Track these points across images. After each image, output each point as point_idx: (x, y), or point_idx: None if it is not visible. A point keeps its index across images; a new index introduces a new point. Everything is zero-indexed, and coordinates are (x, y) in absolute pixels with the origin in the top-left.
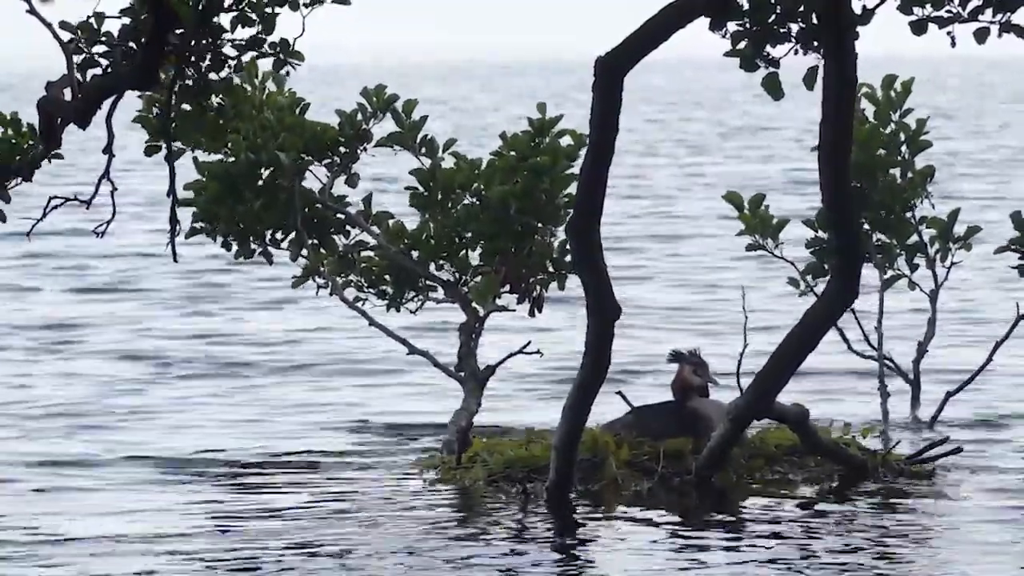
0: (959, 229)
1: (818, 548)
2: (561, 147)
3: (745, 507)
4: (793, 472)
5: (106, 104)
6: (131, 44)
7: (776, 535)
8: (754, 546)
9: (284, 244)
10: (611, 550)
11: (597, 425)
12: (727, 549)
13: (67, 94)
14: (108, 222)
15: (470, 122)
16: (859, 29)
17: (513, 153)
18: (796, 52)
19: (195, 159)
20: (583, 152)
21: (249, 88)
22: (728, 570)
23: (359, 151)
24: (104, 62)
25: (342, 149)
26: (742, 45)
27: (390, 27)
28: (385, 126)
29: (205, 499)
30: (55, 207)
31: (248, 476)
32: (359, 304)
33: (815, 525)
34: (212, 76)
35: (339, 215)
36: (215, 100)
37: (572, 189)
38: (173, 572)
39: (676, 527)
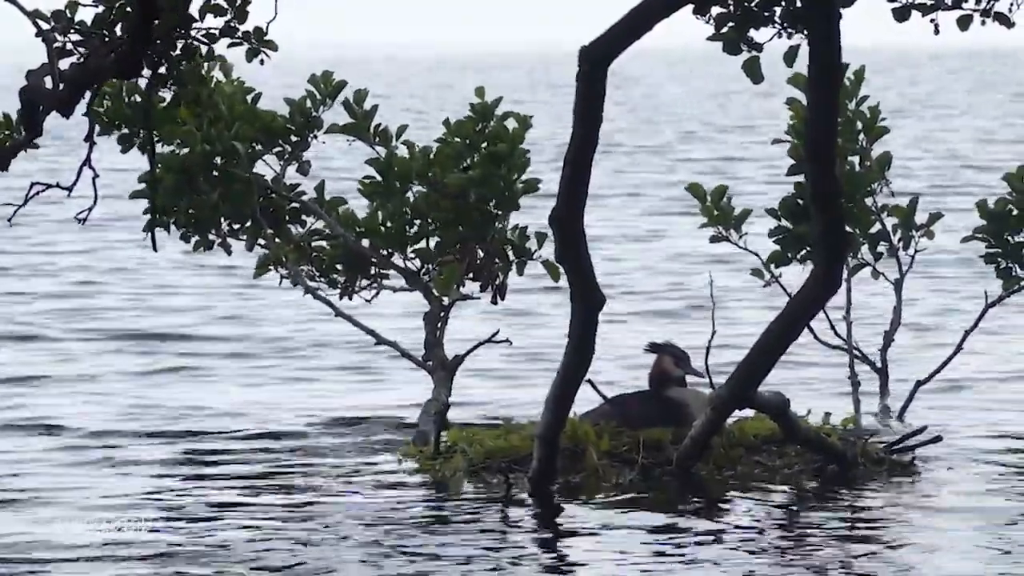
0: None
1: (800, 538)
2: (509, 131)
3: (726, 497)
4: (773, 461)
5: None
6: (105, 32)
7: (757, 525)
8: (736, 536)
9: (241, 234)
10: (594, 540)
11: (575, 414)
12: (709, 539)
13: (48, 82)
14: (90, 209)
15: None
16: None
17: (458, 140)
18: (779, 35)
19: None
20: (527, 134)
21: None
22: (710, 560)
23: (309, 139)
24: (82, 50)
25: (293, 137)
26: (725, 29)
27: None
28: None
29: (179, 491)
30: (37, 193)
31: (224, 470)
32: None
33: (796, 515)
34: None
35: (293, 203)
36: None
37: (528, 174)
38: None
39: (658, 517)
